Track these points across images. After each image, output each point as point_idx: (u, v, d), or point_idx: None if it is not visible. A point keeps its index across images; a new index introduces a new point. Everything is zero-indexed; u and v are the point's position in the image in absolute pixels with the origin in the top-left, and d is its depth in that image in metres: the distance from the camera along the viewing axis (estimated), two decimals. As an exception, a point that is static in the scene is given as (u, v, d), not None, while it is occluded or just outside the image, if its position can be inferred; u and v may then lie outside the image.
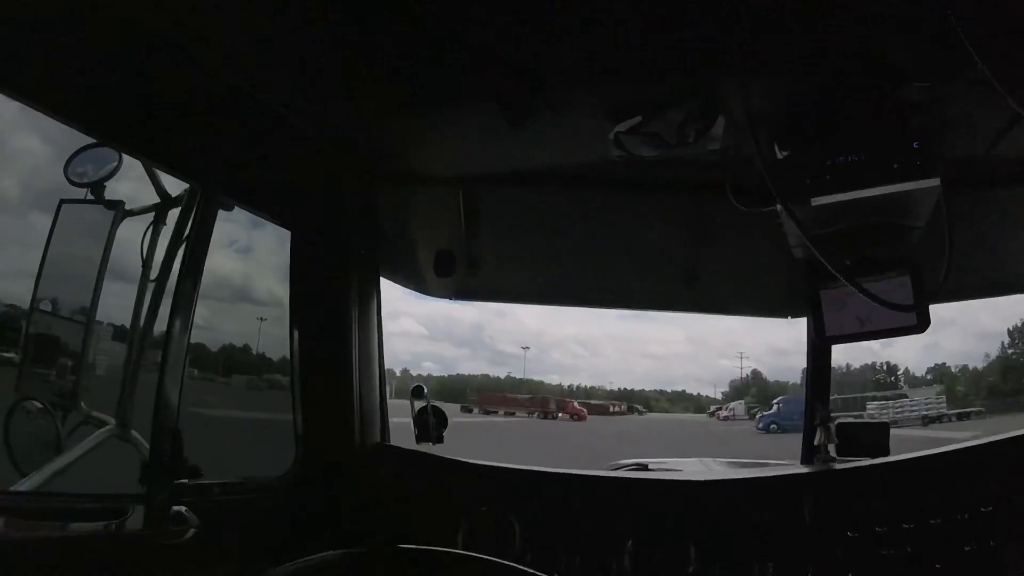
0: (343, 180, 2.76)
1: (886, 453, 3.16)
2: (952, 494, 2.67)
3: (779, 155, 2.46)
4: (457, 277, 3.43)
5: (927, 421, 30.16)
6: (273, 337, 2.97)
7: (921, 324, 2.75)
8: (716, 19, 2.06)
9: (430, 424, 3.01)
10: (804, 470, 3.04)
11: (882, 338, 2.97)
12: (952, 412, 30.80)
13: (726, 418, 36.24)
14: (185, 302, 2.15)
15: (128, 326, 2.74)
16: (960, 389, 34.42)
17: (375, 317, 2.93)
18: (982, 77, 2.03)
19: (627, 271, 3.72)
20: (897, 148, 2.26)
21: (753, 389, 40.69)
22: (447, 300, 3.82)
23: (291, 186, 2.63)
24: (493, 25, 2.08)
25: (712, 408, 38.97)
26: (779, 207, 2.43)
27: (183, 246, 2.33)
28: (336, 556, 2.18)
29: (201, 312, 2.36)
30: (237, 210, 2.45)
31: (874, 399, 32.97)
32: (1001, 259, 3.69)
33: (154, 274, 2.60)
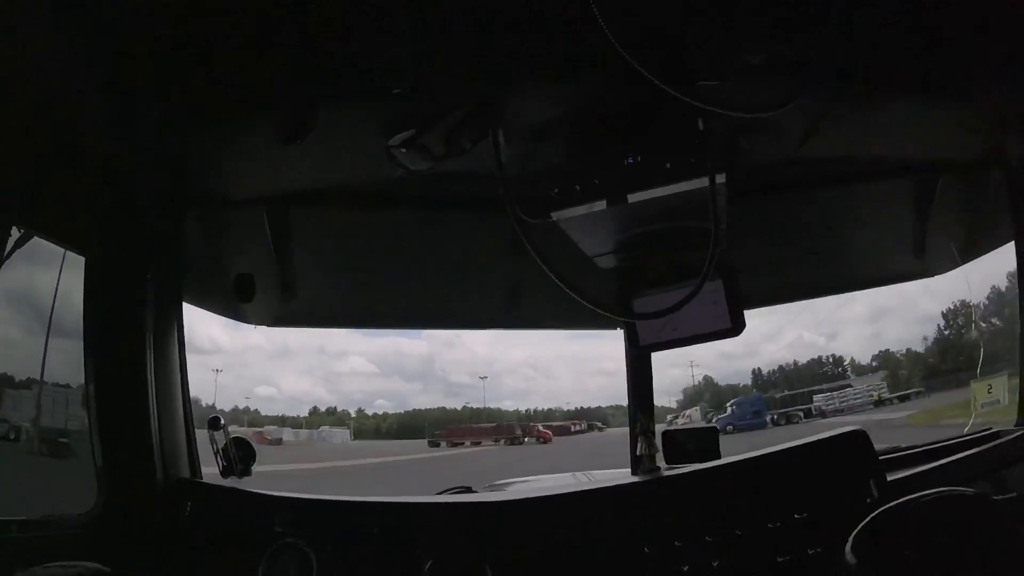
0: (141, 203, 2.62)
1: (716, 458, 3.06)
2: (764, 501, 2.58)
3: (565, 163, 2.46)
4: (271, 303, 3.35)
5: (877, 405, 30.41)
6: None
7: (735, 327, 2.77)
8: (486, 28, 2.05)
9: (233, 457, 2.84)
10: (618, 482, 2.89)
11: (697, 343, 2.89)
12: (894, 396, 31.22)
13: (684, 425, 36.37)
14: None
15: None
16: (903, 373, 34.90)
17: (176, 344, 2.78)
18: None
19: (447, 290, 3.68)
20: (675, 149, 2.24)
21: (707, 395, 40.96)
22: (265, 327, 3.67)
23: (85, 209, 2.49)
24: (267, 42, 2.05)
25: (669, 417, 39.11)
26: (556, 216, 2.38)
27: None
28: (94, 570, 2.04)
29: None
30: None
31: (820, 391, 33.32)
32: (823, 260, 3.76)
33: None
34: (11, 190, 2.14)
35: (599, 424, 42.01)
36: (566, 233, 2.53)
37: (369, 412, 49.39)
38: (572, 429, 40.97)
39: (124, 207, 2.58)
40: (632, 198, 2.29)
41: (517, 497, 2.87)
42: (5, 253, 2.16)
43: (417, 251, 3.42)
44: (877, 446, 2.72)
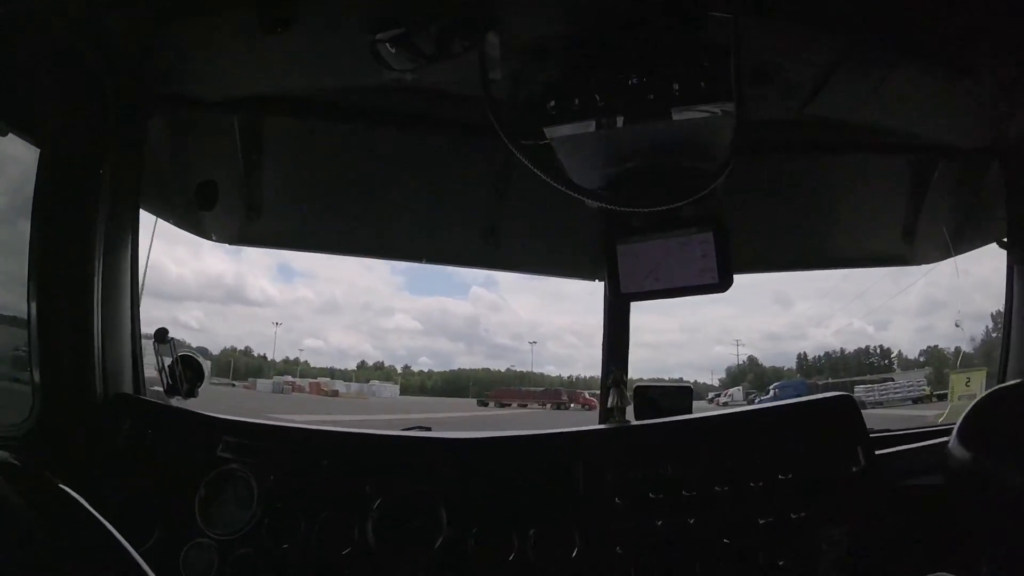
0: (107, 95, 2.44)
1: None
2: (746, 459, 2.40)
3: (563, 82, 2.27)
4: (236, 219, 3.21)
5: (915, 402, 29.73)
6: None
7: (723, 283, 2.63)
8: None
9: (179, 376, 2.72)
10: (586, 428, 2.71)
11: (681, 295, 2.75)
12: (935, 393, 30.30)
13: (724, 403, 35.96)
14: None
15: None
16: (947, 372, 34.03)
17: (129, 252, 2.62)
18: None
19: (424, 221, 3.53)
20: (684, 77, 2.13)
21: (750, 375, 40.35)
22: (226, 244, 3.51)
23: (46, 99, 2.37)
24: None
25: (710, 395, 38.57)
26: (549, 133, 2.25)
27: None
28: None
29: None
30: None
31: (862, 382, 32.66)
32: (812, 231, 3.66)
33: None
34: None
35: (639, 396, 41.92)
36: (555, 159, 2.40)
37: (414, 369, 49.74)
38: (615, 397, 40.80)
39: (86, 98, 2.42)
40: (632, 121, 2.19)
41: (478, 436, 2.68)
42: None
43: (393, 175, 3.27)
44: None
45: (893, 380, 33.80)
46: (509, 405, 37.96)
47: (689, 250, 2.59)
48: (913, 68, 2.38)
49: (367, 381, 44.94)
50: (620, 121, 2.19)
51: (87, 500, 1.72)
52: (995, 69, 2.39)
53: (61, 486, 1.58)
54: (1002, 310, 2.96)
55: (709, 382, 42.75)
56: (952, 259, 3.47)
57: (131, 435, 2.47)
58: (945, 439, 2.39)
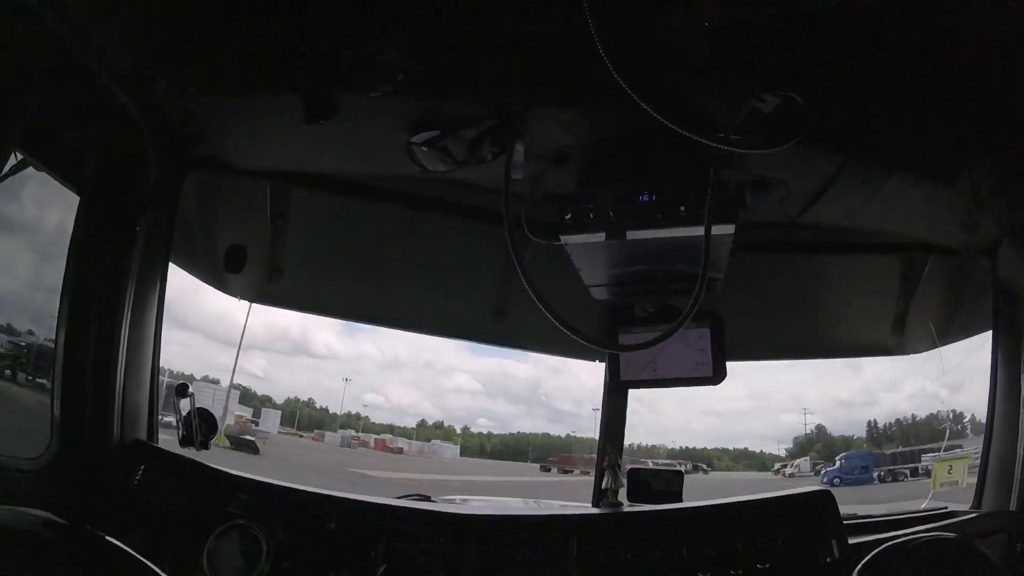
0: (147, 154, 2.53)
1: (679, 502, 3.00)
2: (728, 548, 2.52)
3: (580, 189, 2.44)
4: (258, 279, 3.30)
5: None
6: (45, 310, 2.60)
7: (717, 376, 2.76)
8: (524, 44, 2.06)
9: (195, 427, 2.74)
10: (581, 511, 2.87)
11: (677, 386, 2.90)
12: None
13: (791, 475, 34.92)
14: None
15: None
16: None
17: (155, 303, 2.70)
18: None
19: (436, 296, 3.62)
20: (689, 193, 2.23)
21: (818, 444, 38.74)
22: (246, 302, 3.62)
23: (90, 151, 2.46)
24: (302, 21, 2.06)
25: (777, 465, 37.40)
26: (564, 240, 2.38)
27: None
28: (33, 517, 1.89)
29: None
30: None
31: (930, 451, 31.40)
32: (806, 324, 3.79)
33: None
34: (20, 118, 2.06)
35: (703, 466, 40.67)
36: (560, 259, 2.52)
37: (473, 430, 49.47)
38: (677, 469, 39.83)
39: (128, 155, 2.51)
40: (641, 235, 2.31)
41: (478, 512, 2.76)
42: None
43: (411, 252, 3.38)
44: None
45: (961, 447, 31.90)
46: (571, 472, 37.44)
47: (686, 343, 2.68)
48: (905, 178, 2.49)
49: (428, 440, 44.83)
50: (629, 233, 2.31)
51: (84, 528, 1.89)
52: (982, 176, 2.49)
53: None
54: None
55: (776, 452, 41.41)
56: (938, 350, 3.62)
57: (145, 480, 2.50)
58: (919, 528, 2.63)
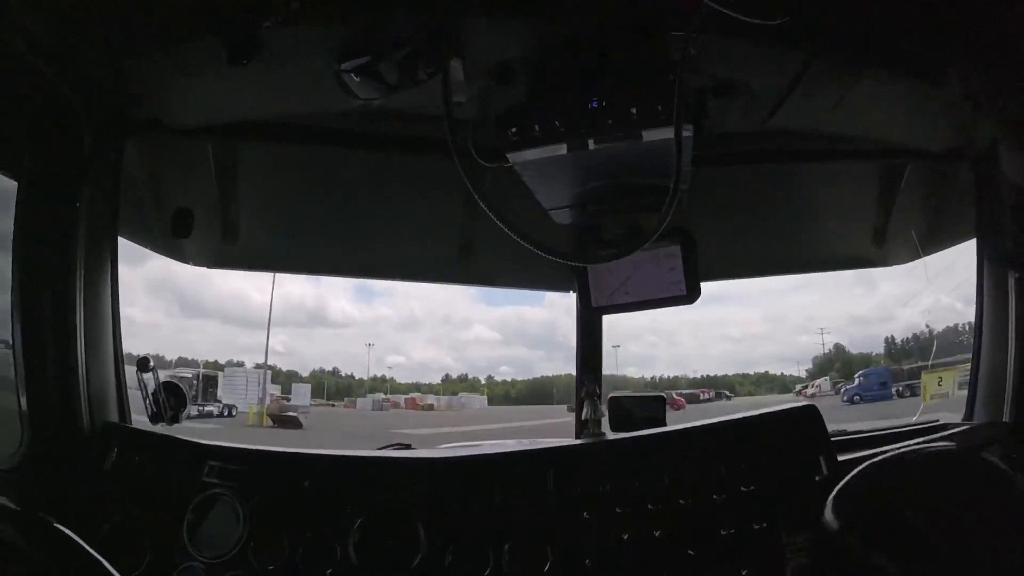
0: (82, 124, 2.43)
1: (663, 427, 2.91)
2: (710, 472, 2.45)
3: (526, 103, 2.26)
4: (213, 244, 3.19)
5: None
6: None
7: (691, 295, 2.69)
8: None
9: (163, 403, 2.69)
10: (559, 444, 2.76)
11: (651, 308, 2.82)
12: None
13: (812, 395, 34.73)
14: None
15: None
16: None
17: (108, 280, 2.61)
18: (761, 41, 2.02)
19: (399, 240, 3.49)
20: (644, 97, 2.06)
21: (837, 363, 38.16)
22: (205, 268, 3.49)
23: (22, 133, 2.38)
24: None
25: (798, 387, 37.22)
26: (512, 158, 2.24)
27: None
28: None
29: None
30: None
31: (948, 364, 31.05)
32: (781, 237, 3.63)
33: None
34: None
35: (726, 392, 40.55)
36: (520, 181, 2.39)
37: (497, 378, 49.35)
38: (701, 397, 39.37)
39: (60, 129, 2.41)
40: (594, 144, 2.14)
41: (454, 455, 2.74)
42: None
43: (367, 196, 3.25)
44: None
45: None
46: None
47: (657, 263, 2.61)
48: (878, 77, 2.32)
49: (454, 394, 44.92)
50: (581, 144, 2.16)
51: (78, 528, 1.75)
52: (962, 74, 2.33)
53: (56, 525, 1.68)
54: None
55: (796, 373, 41.08)
56: (922, 259, 3.47)
57: (119, 463, 2.48)
58: (908, 443, 2.54)
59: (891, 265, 3.71)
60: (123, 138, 2.61)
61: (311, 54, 2.16)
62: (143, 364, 2.68)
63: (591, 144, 2.15)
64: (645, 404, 3.11)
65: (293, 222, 3.44)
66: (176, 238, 3.03)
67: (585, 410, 3.05)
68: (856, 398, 28.21)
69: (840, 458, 2.50)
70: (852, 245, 3.66)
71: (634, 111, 2.07)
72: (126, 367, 2.68)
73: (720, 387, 41.44)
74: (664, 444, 2.63)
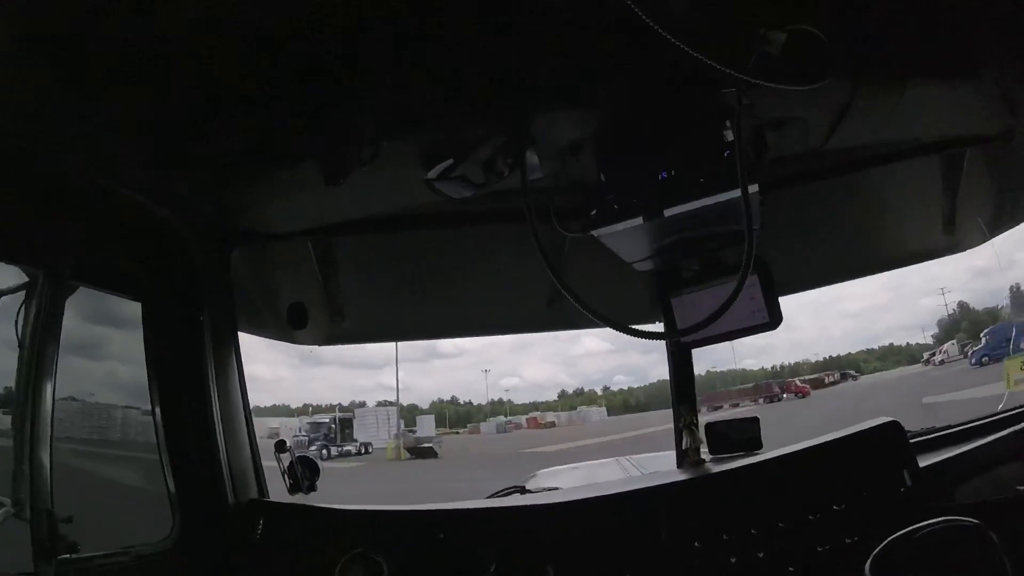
0: (188, 246, 2.66)
1: (758, 446, 3.08)
2: (804, 494, 2.60)
3: (600, 179, 2.39)
4: (322, 324, 3.37)
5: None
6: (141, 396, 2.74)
7: (773, 321, 2.76)
8: (509, 56, 2.07)
9: (300, 475, 2.87)
10: (665, 480, 2.91)
11: (738, 337, 2.86)
12: None
13: (941, 362, 33.16)
14: (46, 378, 2.15)
15: (12, 403, 2.44)
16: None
17: (235, 374, 2.84)
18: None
19: (491, 299, 3.66)
20: (705, 161, 2.20)
21: (963, 323, 36.21)
22: (318, 346, 3.74)
23: (137, 259, 2.58)
24: (301, 86, 2.10)
25: (926, 354, 35.57)
26: (596, 234, 2.38)
27: (39, 325, 2.24)
28: None
29: (71, 378, 2.30)
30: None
31: None
32: (853, 243, 3.63)
33: (25, 354, 2.35)
34: (64, 249, 2.21)
35: (852, 372, 39.06)
36: (600, 244, 2.49)
37: (613, 388, 48.69)
38: (826, 381, 38.60)
39: (175, 253, 2.64)
40: (668, 212, 2.27)
41: (568, 499, 2.87)
42: (60, 309, 2.22)
43: (459, 264, 3.39)
44: (910, 429, 2.75)
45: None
46: (721, 407, 36.76)
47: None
48: (924, 83, 2.35)
49: (573, 408, 44.75)
50: (656, 213, 2.29)
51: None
52: (997, 61, 2.34)
53: None
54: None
55: (921, 341, 39.20)
56: (991, 240, 3.43)
57: (265, 534, 2.66)
58: (990, 437, 2.66)
59: (964, 250, 3.67)
60: (229, 249, 2.83)
61: (400, 163, 2.32)
62: (280, 446, 2.87)
63: (665, 213, 2.28)
64: (740, 427, 3.21)
65: (392, 296, 3.63)
66: (295, 330, 3.23)
67: (685, 440, 3.17)
68: (985, 359, 26.87)
69: (923, 463, 2.63)
70: (922, 238, 3.63)
71: (702, 179, 2.21)
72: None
73: (844, 367, 40.00)
74: (760, 471, 2.74)
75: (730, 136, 2.17)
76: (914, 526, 2.34)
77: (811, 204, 3.16)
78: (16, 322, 2.39)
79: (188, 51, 1.89)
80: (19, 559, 2.01)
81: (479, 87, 2.15)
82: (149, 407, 2.64)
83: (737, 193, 2.12)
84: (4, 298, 2.45)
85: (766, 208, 2.46)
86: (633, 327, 2.29)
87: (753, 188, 2.15)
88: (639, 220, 2.31)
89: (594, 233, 2.37)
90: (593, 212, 2.34)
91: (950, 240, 3.54)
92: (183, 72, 1.94)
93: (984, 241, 3.53)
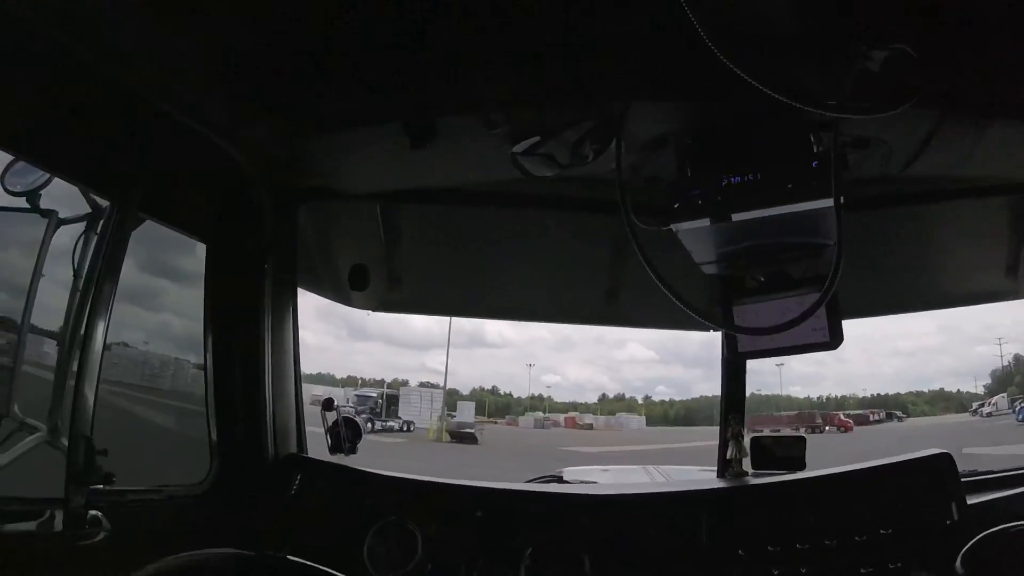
0: (259, 195, 2.69)
1: (802, 467, 3.01)
2: (851, 515, 2.58)
3: (685, 174, 2.37)
4: (379, 290, 3.38)
5: None
6: (190, 348, 2.87)
7: (834, 340, 2.66)
8: (610, 45, 2.05)
9: (342, 436, 2.88)
10: (708, 486, 2.90)
11: (795, 354, 2.79)
12: None
13: (989, 414, 31.95)
14: (102, 311, 2.14)
15: (59, 332, 2.62)
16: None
17: (291, 328, 2.86)
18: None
19: (548, 286, 3.64)
20: (794, 168, 2.17)
21: (1017, 377, 34.91)
22: (368, 311, 3.73)
23: (207, 201, 2.63)
24: (399, 51, 2.11)
25: (974, 405, 34.45)
26: (674, 227, 2.34)
27: (102, 256, 2.29)
28: (224, 555, 2.15)
29: (122, 320, 2.37)
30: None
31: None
32: (918, 275, 3.61)
33: (82, 283, 2.50)
34: (137, 182, 2.21)
35: (898, 413, 37.97)
36: (668, 237, 2.43)
37: (654, 399, 48.42)
38: (871, 418, 37.30)
39: (245, 200, 2.66)
40: (751, 215, 2.23)
41: (610, 492, 2.89)
42: (125, 242, 2.22)
43: (521, 247, 3.38)
44: (961, 468, 2.69)
45: None
46: (762, 431, 35.95)
47: (801, 310, 2.66)
48: (1007, 126, 2.31)
49: (612, 413, 44.53)
50: (734, 213, 2.24)
51: (263, 549, 2.11)
52: None
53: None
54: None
55: (973, 390, 38.00)
56: None
57: (300, 490, 2.68)
58: None
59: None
60: (298, 203, 2.85)
61: (483, 134, 2.29)
62: (328, 404, 2.91)
63: (746, 215, 2.24)
64: (785, 444, 3.16)
65: (451, 270, 3.64)
66: (354, 291, 3.25)
67: (730, 449, 3.11)
68: (1030, 415, 26.13)
69: (972, 500, 2.61)
70: (985, 279, 3.59)
71: (790, 186, 2.16)
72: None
73: (891, 407, 38.89)
74: (808, 488, 2.72)
75: (819, 148, 2.18)
76: (1007, 525, 2.41)
77: (879, 229, 3.14)
78: (74, 250, 2.54)
79: None
80: (48, 485, 2.03)
81: (573, 73, 2.16)
82: (199, 361, 2.68)
83: (816, 205, 2.12)
84: (68, 226, 2.62)
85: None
86: (701, 314, 2.22)
87: (827, 203, 2.13)
88: (719, 219, 2.26)
89: (673, 227, 2.31)
90: (675, 205, 2.28)
91: (1012, 285, 3.52)
92: (279, 17, 1.93)
93: None
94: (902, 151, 2.45)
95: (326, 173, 2.78)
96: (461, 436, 31.83)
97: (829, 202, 2.10)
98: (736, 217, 2.23)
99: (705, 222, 2.27)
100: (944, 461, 2.65)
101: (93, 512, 1.97)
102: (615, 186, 2.23)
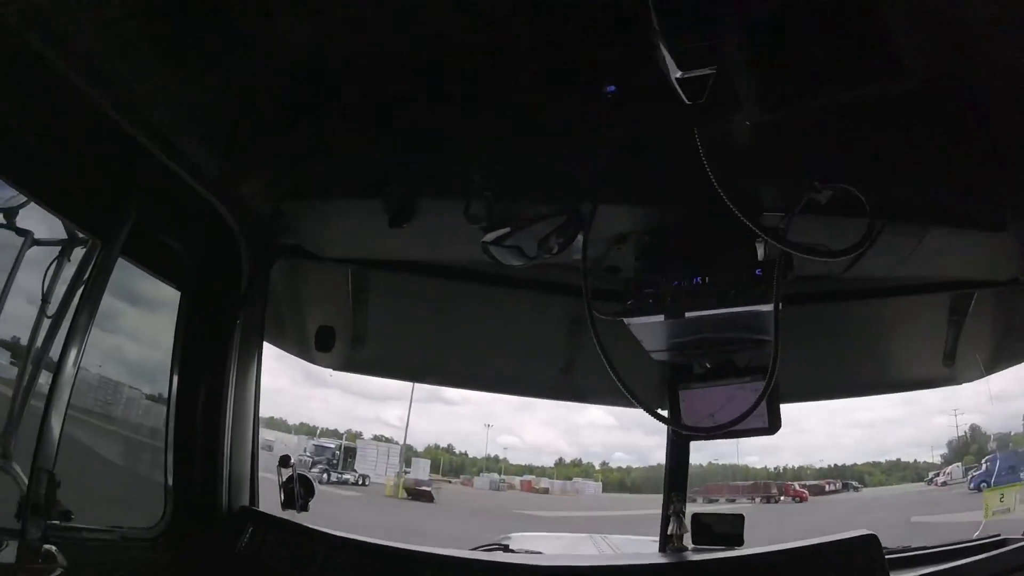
0: (238, 247, 2.71)
1: (740, 543, 3.11)
2: None
3: (639, 272, 2.60)
4: (343, 350, 3.43)
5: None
6: (142, 376, 2.88)
7: (772, 426, 2.84)
8: (589, 152, 2.24)
9: (296, 492, 2.88)
10: (649, 560, 3.00)
11: (735, 438, 3.04)
12: None
13: (944, 483, 32.40)
14: (77, 342, 2.12)
15: (23, 352, 2.43)
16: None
17: (254, 381, 2.88)
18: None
19: (507, 358, 3.75)
20: (739, 275, 2.38)
21: (973, 446, 35.13)
22: (331, 370, 3.83)
23: (186, 249, 2.65)
24: (386, 130, 2.24)
25: (930, 474, 34.86)
26: (627, 321, 2.52)
27: (80, 288, 2.26)
28: None
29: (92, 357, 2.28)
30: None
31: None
32: (858, 364, 3.82)
33: (52, 309, 2.36)
34: (123, 222, 2.24)
35: (854, 484, 38.24)
36: (619, 323, 2.58)
37: (612, 465, 48.29)
38: (826, 489, 37.66)
39: (223, 253, 2.69)
40: (697, 314, 2.43)
41: (552, 564, 2.93)
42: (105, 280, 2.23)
43: (484, 320, 3.51)
44: (887, 546, 2.74)
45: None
46: (717, 500, 36.10)
47: (743, 397, 2.73)
48: (945, 231, 2.51)
49: (568, 479, 44.32)
50: (683, 313, 2.45)
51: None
52: (1016, 218, 2.48)
53: None
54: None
55: (929, 459, 38.48)
56: (986, 378, 3.62)
57: (251, 544, 2.64)
58: (959, 561, 2.67)
59: (959, 384, 3.84)
60: (273, 260, 2.88)
61: (457, 217, 2.37)
62: (285, 461, 2.91)
63: (695, 314, 2.44)
64: (725, 521, 3.25)
65: (415, 337, 3.75)
66: (319, 351, 3.32)
67: (671, 525, 3.19)
68: (983, 484, 26.43)
69: None
70: (922, 368, 3.77)
71: (733, 291, 2.37)
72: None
73: (848, 477, 39.05)
74: (741, 567, 2.76)
75: (764, 255, 2.41)
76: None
77: (822, 322, 3.32)
78: (46, 273, 2.42)
79: (289, 61, 2.02)
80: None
81: (547, 171, 2.36)
82: (151, 391, 2.73)
83: (761, 308, 2.34)
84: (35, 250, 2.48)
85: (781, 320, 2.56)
86: (651, 407, 2.40)
87: (767, 308, 2.33)
88: (672, 317, 2.46)
89: (626, 321, 2.50)
90: (629, 302, 2.48)
91: (949, 373, 3.67)
92: (279, 80, 2.06)
93: (980, 377, 3.70)
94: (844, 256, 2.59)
95: (304, 234, 2.85)
96: (418, 493, 31.45)
97: (769, 306, 2.29)
98: (687, 316, 2.43)
99: (656, 319, 2.47)
100: (869, 542, 2.67)
101: (48, 547, 1.92)
102: (576, 271, 2.37)
